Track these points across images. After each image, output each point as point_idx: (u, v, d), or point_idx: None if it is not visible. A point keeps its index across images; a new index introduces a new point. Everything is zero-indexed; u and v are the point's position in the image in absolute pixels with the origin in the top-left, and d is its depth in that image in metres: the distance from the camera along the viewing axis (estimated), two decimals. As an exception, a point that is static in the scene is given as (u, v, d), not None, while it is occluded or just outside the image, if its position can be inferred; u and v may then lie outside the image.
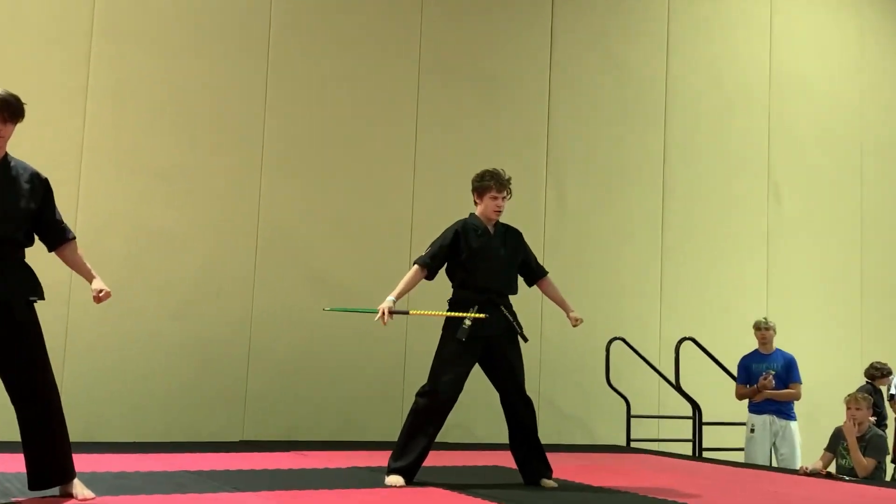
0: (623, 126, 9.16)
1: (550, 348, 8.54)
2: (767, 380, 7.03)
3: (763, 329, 7.25)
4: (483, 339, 4.72)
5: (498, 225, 4.94)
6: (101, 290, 3.85)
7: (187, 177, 7.17)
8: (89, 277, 3.91)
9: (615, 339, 8.36)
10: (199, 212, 7.19)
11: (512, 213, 8.51)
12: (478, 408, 8.03)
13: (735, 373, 7.64)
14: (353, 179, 7.79)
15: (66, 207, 6.59)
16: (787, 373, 7.10)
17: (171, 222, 7.09)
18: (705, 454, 7.87)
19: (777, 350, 7.28)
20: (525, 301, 8.44)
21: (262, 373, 7.27)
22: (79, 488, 3.75)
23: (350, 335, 7.53)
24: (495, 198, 4.85)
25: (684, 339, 8.12)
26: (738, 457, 7.85)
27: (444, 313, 4.69)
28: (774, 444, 7.11)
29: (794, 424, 7.11)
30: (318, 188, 7.64)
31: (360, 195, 7.79)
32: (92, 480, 4.30)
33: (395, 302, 4.61)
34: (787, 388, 7.09)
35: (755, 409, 7.21)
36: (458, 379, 4.65)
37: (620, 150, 9.13)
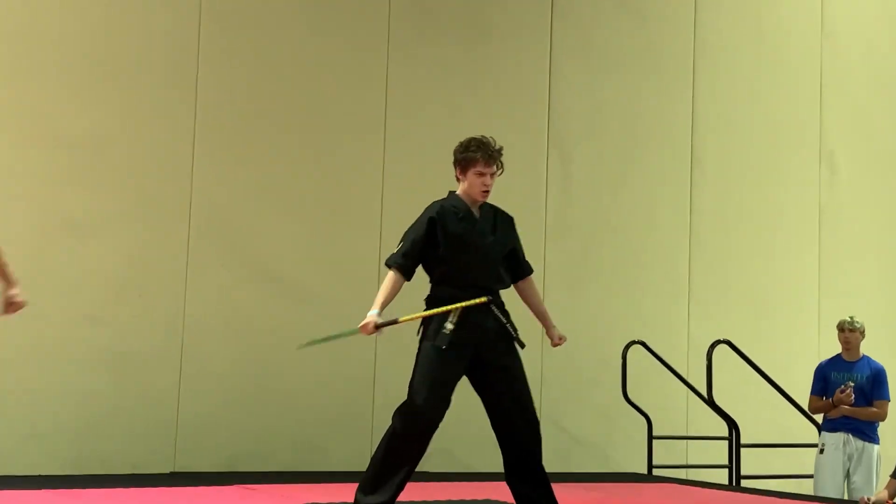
0: (642, 85, 9.09)
1: (555, 357, 8.44)
2: (845, 393, 7.01)
3: (847, 331, 7.24)
4: (471, 346, 4.63)
5: (485, 207, 4.87)
6: (15, 298, 3.77)
7: (102, 149, 7.06)
8: (7, 280, 3.82)
9: (633, 343, 8.34)
10: (117, 193, 7.08)
11: (504, 193, 8.46)
12: (465, 429, 7.96)
13: (781, 382, 7.60)
14: (308, 152, 7.71)
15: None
16: (873, 386, 7.08)
17: (83, 206, 6.98)
18: (744, 482, 7.86)
19: (864, 357, 7.25)
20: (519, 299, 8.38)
21: (197, 390, 7.18)
22: None
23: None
24: (482, 174, 4.77)
25: (718, 342, 8.09)
26: (785, 486, 7.84)
27: (441, 309, 4.59)
28: (848, 470, 7.08)
29: (874, 448, 7.07)
30: (266, 163, 7.56)
31: (317, 172, 7.73)
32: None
33: (379, 314, 4.58)
34: (870, 405, 7.07)
35: (828, 425, 7.19)
36: (443, 395, 4.57)
37: (639, 114, 9.07)
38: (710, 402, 7.94)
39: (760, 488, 7.36)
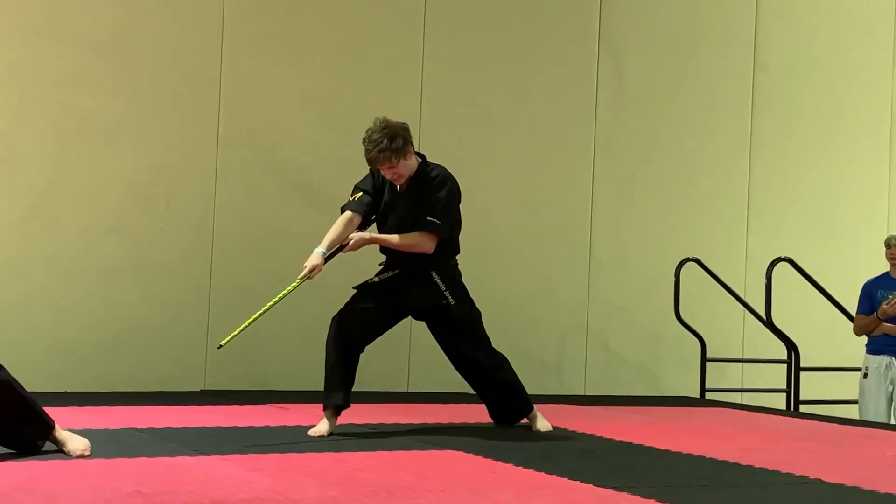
0: (701, -22, 9.05)
1: (603, 275, 8.59)
2: (891, 304, 7.08)
3: (894, 246, 7.29)
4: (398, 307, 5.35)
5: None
6: None
7: (124, 49, 7.15)
8: None
9: (687, 260, 8.38)
10: (140, 94, 7.18)
11: (554, 96, 8.51)
12: (507, 353, 8.11)
13: (845, 303, 7.65)
14: (340, 55, 7.75)
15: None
16: None
17: (105, 108, 7.09)
18: (803, 408, 7.96)
19: None
20: (571, 215, 8.45)
21: (227, 305, 7.33)
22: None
23: (344, 257, 7.56)
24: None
25: (778, 259, 8.13)
26: (848, 411, 7.93)
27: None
28: (892, 394, 7.19)
29: None
30: (296, 67, 7.62)
31: (349, 76, 7.77)
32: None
33: (324, 253, 5.18)
34: None
35: (872, 347, 7.31)
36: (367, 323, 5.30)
37: (697, 9, 9.03)
38: (769, 323, 8.00)
39: (820, 414, 7.46)
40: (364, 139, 5.14)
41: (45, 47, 6.96)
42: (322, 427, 5.04)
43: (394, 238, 5.21)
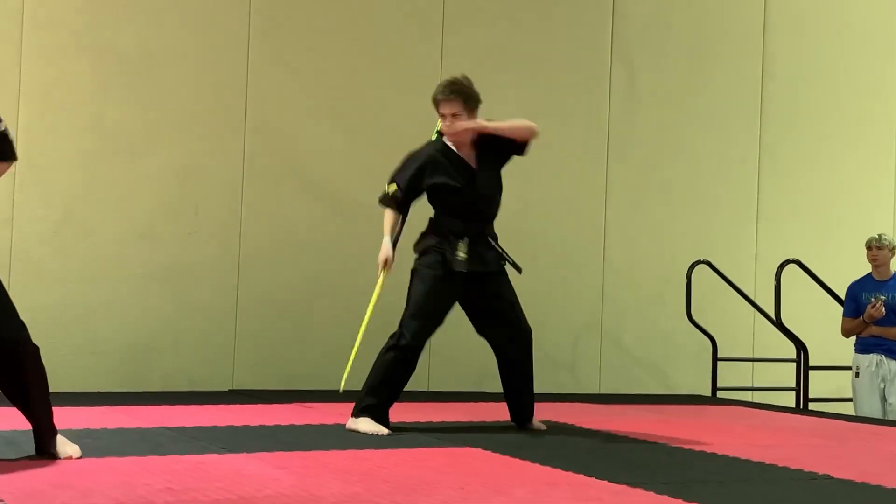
0: (711, -12, 9.05)
1: (616, 275, 8.58)
2: (875, 308, 7.09)
3: (875, 248, 7.30)
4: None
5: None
6: None
7: (154, 62, 7.19)
8: None
9: (699, 262, 8.38)
10: (169, 106, 7.22)
11: (567, 103, 8.51)
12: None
13: (851, 304, 7.62)
14: (365, 65, 7.78)
15: (2, 101, 6.65)
16: None
17: (135, 119, 7.14)
18: (812, 406, 7.94)
19: (895, 275, 7.30)
20: (585, 218, 8.44)
21: (254, 307, 7.39)
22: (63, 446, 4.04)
23: (366, 261, 7.56)
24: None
25: (787, 261, 8.12)
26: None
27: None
28: (884, 391, 7.17)
29: None
30: (322, 77, 7.65)
31: (374, 86, 7.79)
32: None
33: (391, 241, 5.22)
34: None
35: (861, 347, 7.33)
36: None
37: (708, 20, 9.03)
38: (779, 323, 7.99)
39: (829, 411, 7.44)
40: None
41: (78, 61, 7.01)
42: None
43: (503, 124, 5.25)
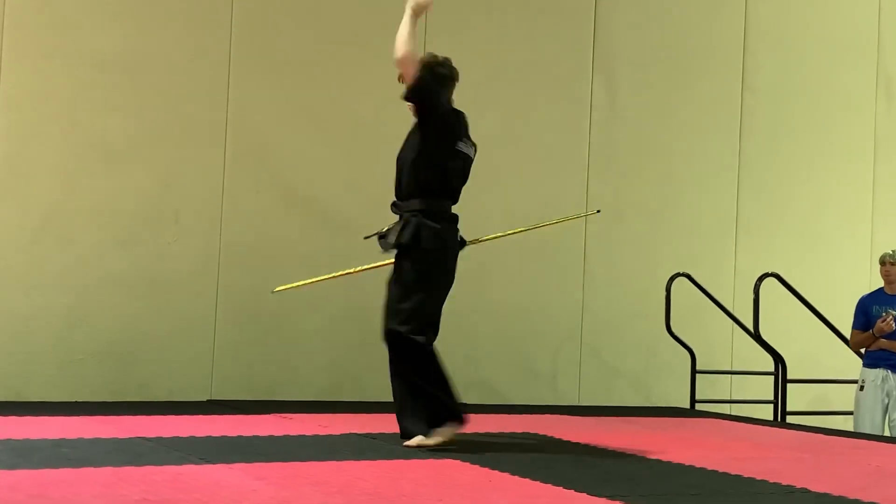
0: (691, 3, 9.07)
1: (597, 288, 8.59)
2: (886, 322, 7.12)
3: (889, 264, 7.37)
4: None
5: None
6: None
7: (135, 71, 7.17)
8: None
9: (678, 275, 8.41)
10: (150, 114, 7.20)
11: (549, 116, 8.53)
12: (502, 363, 8.11)
13: (830, 317, 7.65)
14: (346, 75, 7.77)
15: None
16: None
17: (115, 127, 7.11)
18: (790, 419, 7.96)
19: None
20: (565, 228, 8.45)
21: (233, 317, 7.37)
22: None
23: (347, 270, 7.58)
24: None
25: (766, 275, 8.14)
26: (833, 422, 7.93)
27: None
28: (887, 406, 7.20)
29: None
30: (303, 87, 7.64)
31: (355, 96, 7.78)
32: (24, 450, 4.39)
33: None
34: None
35: (869, 361, 7.37)
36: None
37: (688, 34, 9.07)
38: (757, 336, 8.01)
39: (806, 424, 7.47)
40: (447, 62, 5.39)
41: (57, 68, 6.98)
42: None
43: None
